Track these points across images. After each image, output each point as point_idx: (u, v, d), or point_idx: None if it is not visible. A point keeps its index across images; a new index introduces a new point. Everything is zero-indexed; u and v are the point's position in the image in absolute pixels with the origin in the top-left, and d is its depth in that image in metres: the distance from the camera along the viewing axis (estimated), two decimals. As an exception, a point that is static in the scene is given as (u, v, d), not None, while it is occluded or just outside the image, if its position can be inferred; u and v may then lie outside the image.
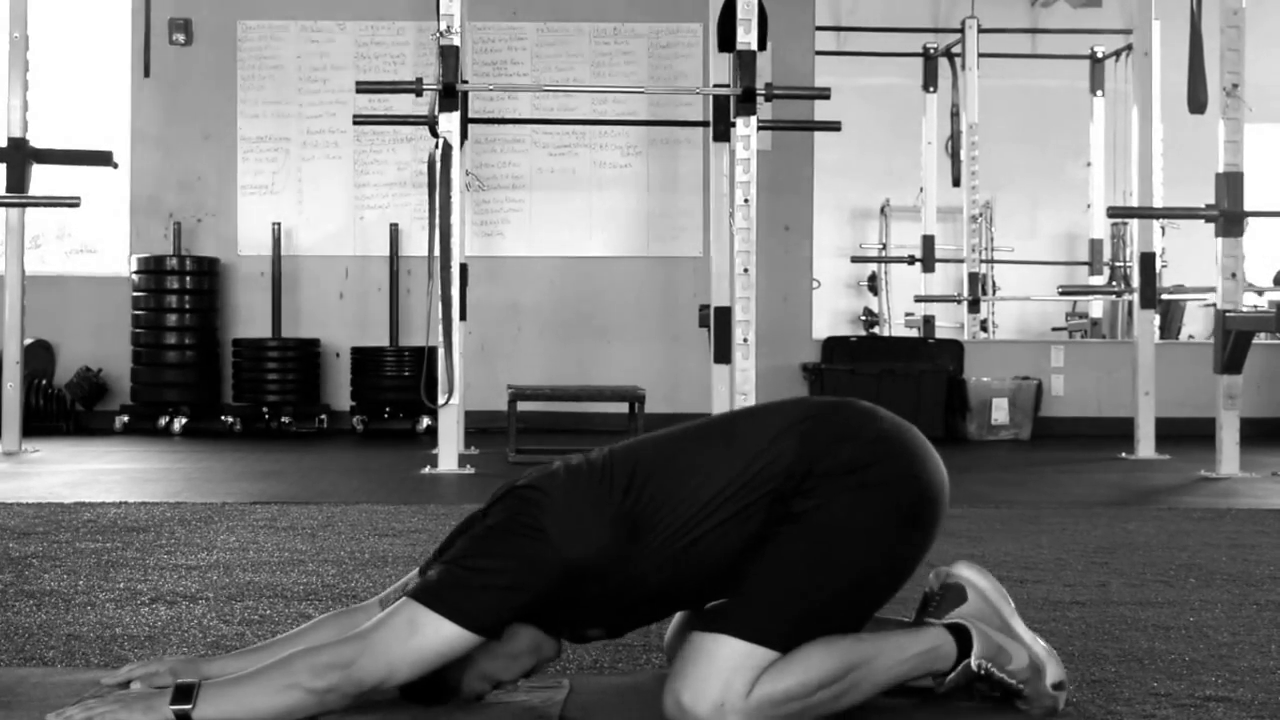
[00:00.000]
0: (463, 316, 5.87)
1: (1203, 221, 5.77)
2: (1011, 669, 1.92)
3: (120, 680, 1.99)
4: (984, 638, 1.92)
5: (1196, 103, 5.87)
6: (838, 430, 1.90)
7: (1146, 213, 6.42)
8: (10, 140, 6.00)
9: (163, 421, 7.25)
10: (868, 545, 1.85)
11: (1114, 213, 7.65)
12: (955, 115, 8.81)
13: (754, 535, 1.85)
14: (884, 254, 9.44)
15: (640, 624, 2.00)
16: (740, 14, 5.48)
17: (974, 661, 1.90)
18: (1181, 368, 7.26)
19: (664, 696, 1.82)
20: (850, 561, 1.85)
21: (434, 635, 1.78)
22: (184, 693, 1.77)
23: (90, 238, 8.47)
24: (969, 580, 1.99)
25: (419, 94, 5.58)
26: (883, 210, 9.62)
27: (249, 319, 7.67)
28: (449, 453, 5.48)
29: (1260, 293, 8.76)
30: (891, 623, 2.04)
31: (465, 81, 5.84)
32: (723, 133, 6.15)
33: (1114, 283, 8.82)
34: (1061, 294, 8.62)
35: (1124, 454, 6.33)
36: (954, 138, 8.84)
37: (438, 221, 5.37)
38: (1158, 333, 7.18)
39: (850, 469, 1.85)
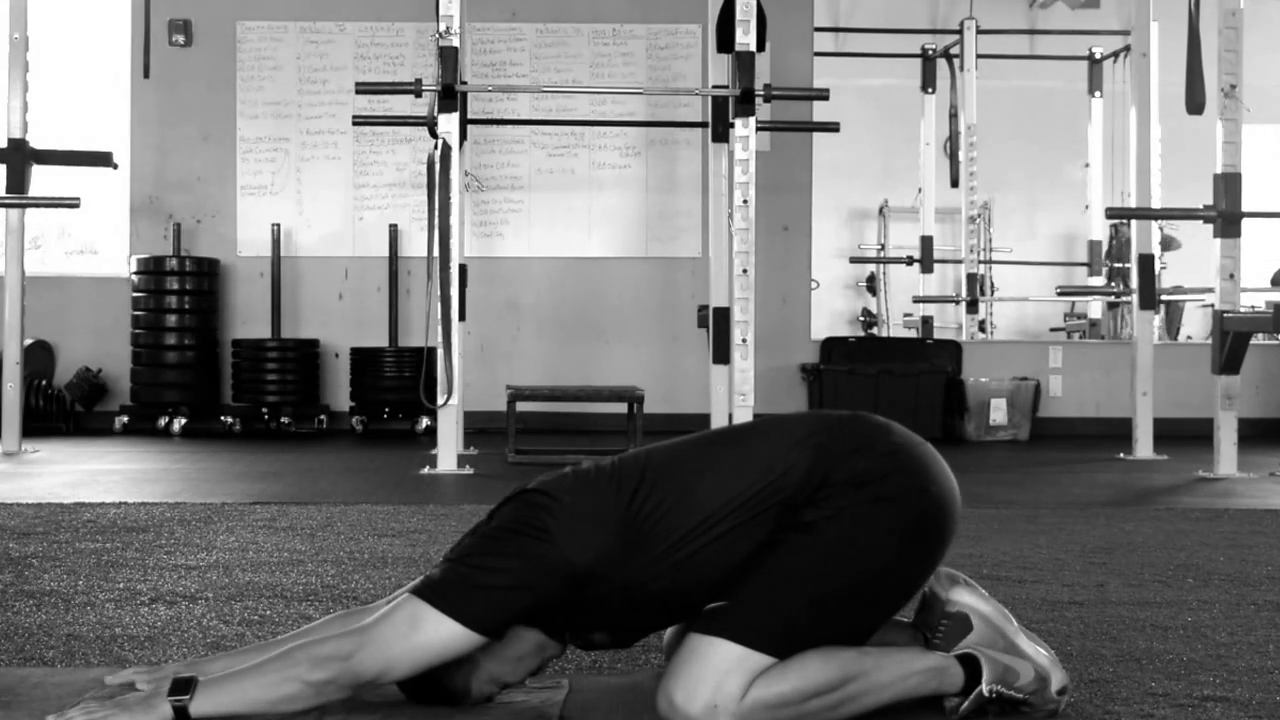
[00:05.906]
0: (462, 317, 5.87)
1: (1201, 222, 5.77)
2: (1020, 685, 1.93)
3: (124, 681, 2.00)
4: (992, 663, 1.93)
5: (1194, 104, 5.87)
6: (852, 443, 1.90)
7: (1145, 213, 6.42)
8: (10, 141, 6.01)
9: (162, 422, 7.25)
10: (875, 556, 1.86)
11: (1112, 213, 7.65)
12: (954, 116, 8.81)
13: (761, 543, 1.85)
14: (882, 255, 9.44)
15: (646, 631, 1.99)
16: (739, 15, 5.48)
17: (985, 688, 1.91)
18: (1179, 368, 7.27)
19: (657, 696, 1.83)
20: (856, 572, 1.85)
21: (434, 633, 1.79)
22: (182, 685, 1.78)
23: (90, 238, 8.47)
24: (972, 608, 2.00)
25: (418, 95, 5.58)
26: (881, 211, 9.62)
27: (248, 319, 7.67)
28: (448, 453, 5.47)
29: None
30: (899, 624, 2.05)
31: (464, 82, 5.85)
32: (721, 133, 6.16)
33: (1112, 283, 8.82)
34: (1060, 295, 8.63)
35: (1122, 454, 6.33)
36: (952, 139, 8.85)
37: (437, 222, 5.37)
38: (1158, 333, 7.18)
39: (863, 481, 1.86)
